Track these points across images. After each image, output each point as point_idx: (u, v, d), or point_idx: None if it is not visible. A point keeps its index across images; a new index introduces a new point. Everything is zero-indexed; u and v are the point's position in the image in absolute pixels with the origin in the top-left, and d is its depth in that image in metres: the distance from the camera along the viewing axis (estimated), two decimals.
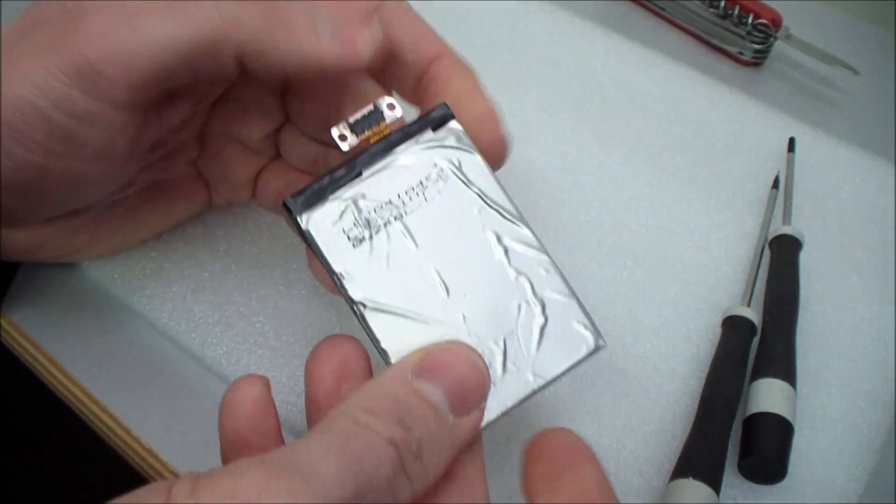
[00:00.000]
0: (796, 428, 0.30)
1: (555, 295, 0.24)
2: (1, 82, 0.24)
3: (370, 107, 0.26)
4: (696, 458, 0.29)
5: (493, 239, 0.25)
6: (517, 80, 0.44)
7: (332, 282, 0.25)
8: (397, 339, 0.24)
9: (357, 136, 0.26)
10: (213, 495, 0.17)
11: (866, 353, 0.34)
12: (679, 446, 0.30)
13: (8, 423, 0.43)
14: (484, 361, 0.23)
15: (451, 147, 0.25)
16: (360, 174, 0.25)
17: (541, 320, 0.24)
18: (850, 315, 0.36)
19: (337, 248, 0.25)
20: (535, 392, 0.23)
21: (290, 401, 0.32)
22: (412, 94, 0.29)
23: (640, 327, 0.35)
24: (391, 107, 0.26)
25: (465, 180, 0.25)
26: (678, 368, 0.34)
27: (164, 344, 0.34)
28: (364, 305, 0.24)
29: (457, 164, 0.25)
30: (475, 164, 0.25)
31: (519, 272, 0.24)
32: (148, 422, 0.32)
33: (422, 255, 0.24)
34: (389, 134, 0.26)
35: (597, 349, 0.24)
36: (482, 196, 0.25)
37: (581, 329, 0.24)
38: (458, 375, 0.22)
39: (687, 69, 0.45)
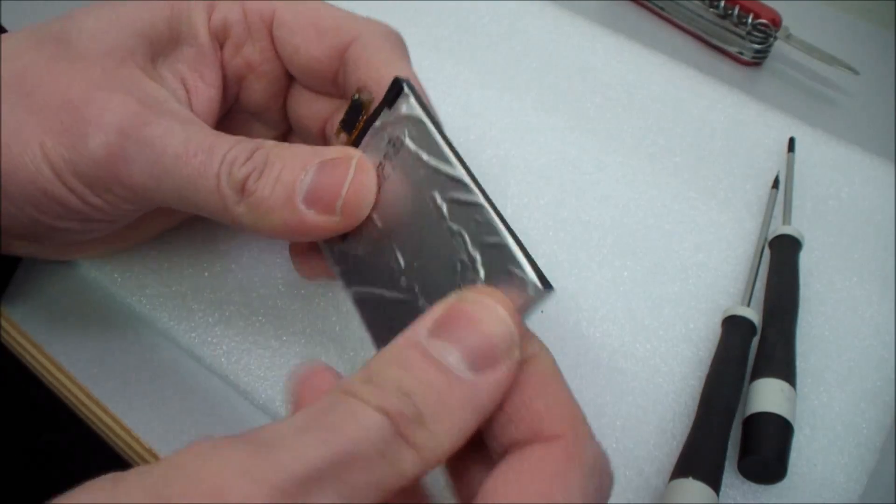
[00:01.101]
0: (796, 428, 0.30)
1: (489, 243, 0.22)
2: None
3: (351, 100, 0.27)
4: (696, 458, 0.29)
5: (435, 200, 0.24)
6: (517, 80, 0.44)
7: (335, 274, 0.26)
8: (380, 322, 0.24)
9: (348, 134, 0.27)
10: (159, 469, 0.17)
11: (866, 352, 0.34)
12: (679, 446, 0.30)
13: (7, 422, 0.43)
14: (513, 308, 0.20)
15: (403, 117, 0.25)
16: None
17: (477, 276, 0.22)
18: (850, 315, 0.36)
19: (329, 244, 0.26)
20: None
21: (289, 401, 0.32)
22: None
23: (640, 327, 0.35)
24: (365, 93, 0.26)
25: (411, 149, 0.24)
26: (678, 368, 0.34)
27: (164, 344, 0.34)
28: (353, 293, 0.25)
29: (405, 135, 0.25)
30: (420, 129, 0.24)
31: (455, 228, 0.23)
32: (148, 422, 0.32)
33: (384, 233, 0.25)
34: (364, 124, 0.26)
35: (538, 296, 0.21)
36: (424, 160, 0.24)
37: (517, 276, 0.21)
38: (480, 330, 0.20)
39: (687, 69, 0.45)
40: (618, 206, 0.39)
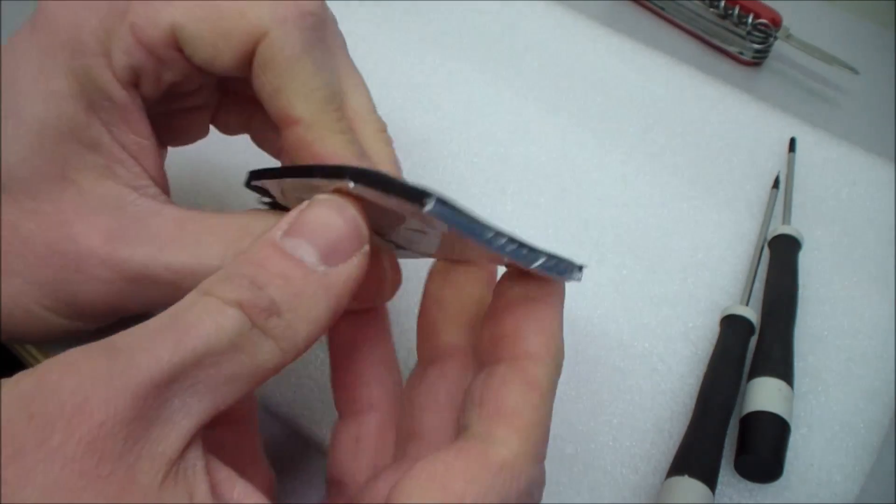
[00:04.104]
0: (793, 427, 0.30)
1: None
2: None
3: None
4: (692, 456, 0.29)
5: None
6: (518, 79, 0.44)
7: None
8: None
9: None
10: (27, 383, 0.17)
11: (865, 352, 0.34)
12: (675, 444, 0.30)
13: None
14: (358, 211, 0.21)
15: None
16: None
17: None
18: (849, 315, 0.36)
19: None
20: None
21: (286, 394, 0.32)
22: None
23: (639, 325, 0.35)
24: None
25: None
26: (676, 367, 0.34)
27: None
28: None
29: None
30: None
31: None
32: None
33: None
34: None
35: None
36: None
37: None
38: (331, 227, 0.20)
39: (687, 69, 0.45)
40: (617, 204, 0.39)
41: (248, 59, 0.25)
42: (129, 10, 0.25)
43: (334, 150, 0.25)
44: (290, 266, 0.20)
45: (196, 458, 0.18)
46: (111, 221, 0.25)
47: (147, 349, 0.18)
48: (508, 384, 0.20)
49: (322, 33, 0.26)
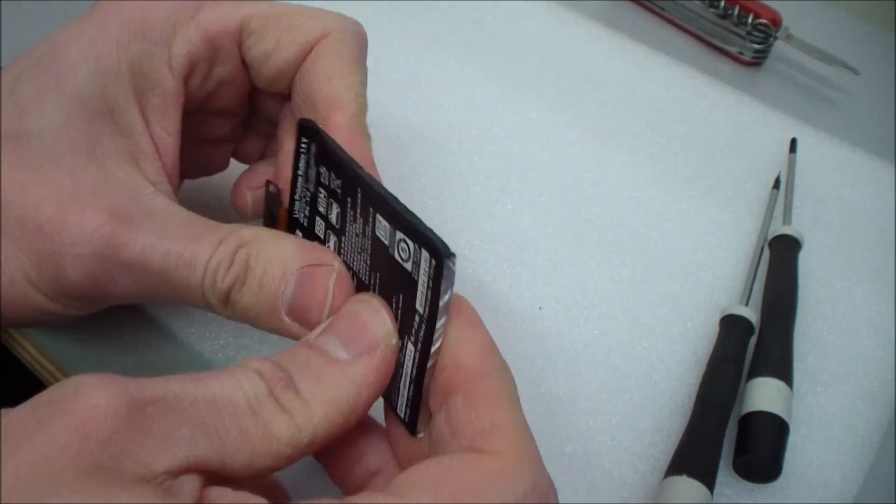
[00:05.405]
0: (793, 427, 0.30)
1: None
2: None
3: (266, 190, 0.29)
4: (691, 456, 0.29)
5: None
6: (520, 78, 0.44)
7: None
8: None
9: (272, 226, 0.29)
10: None
11: (864, 352, 0.34)
12: (674, 444, 0.30)
13: None
14: (386, 307, 0.23)
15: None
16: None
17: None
18: (849, 315, 0.36)
19: None
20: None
21: None
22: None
23: (638, 325, 0.35)
24: (272, 185, 0.28)
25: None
26: (675, 366, 0.34)
27: (163, 341, 0.34)
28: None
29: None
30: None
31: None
32: None
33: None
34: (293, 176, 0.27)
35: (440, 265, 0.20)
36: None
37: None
38: (357, 320, 0.22)
39: (688, 69, 0.45)
40: (618, 204, 0.39)
41: (302, 59, 0.28)
42: (200, 8, 0.27)
43: (364, 147, 0.27)
44: (314, 355, 0.22)
45: (190, 487, 0.18)
46: (121, 206, 0.25)
47: (161, 381, 0.19)
48: (474, 408, 0.21)
49: (357, 59, 0.28)
